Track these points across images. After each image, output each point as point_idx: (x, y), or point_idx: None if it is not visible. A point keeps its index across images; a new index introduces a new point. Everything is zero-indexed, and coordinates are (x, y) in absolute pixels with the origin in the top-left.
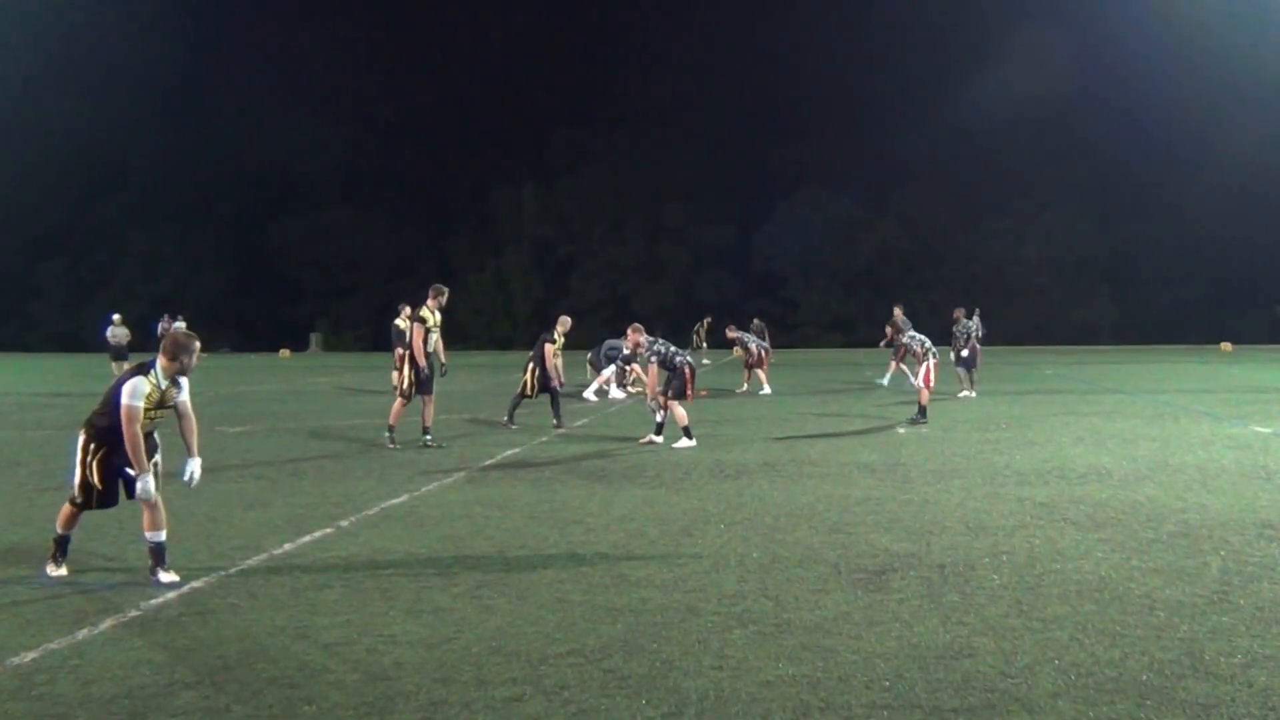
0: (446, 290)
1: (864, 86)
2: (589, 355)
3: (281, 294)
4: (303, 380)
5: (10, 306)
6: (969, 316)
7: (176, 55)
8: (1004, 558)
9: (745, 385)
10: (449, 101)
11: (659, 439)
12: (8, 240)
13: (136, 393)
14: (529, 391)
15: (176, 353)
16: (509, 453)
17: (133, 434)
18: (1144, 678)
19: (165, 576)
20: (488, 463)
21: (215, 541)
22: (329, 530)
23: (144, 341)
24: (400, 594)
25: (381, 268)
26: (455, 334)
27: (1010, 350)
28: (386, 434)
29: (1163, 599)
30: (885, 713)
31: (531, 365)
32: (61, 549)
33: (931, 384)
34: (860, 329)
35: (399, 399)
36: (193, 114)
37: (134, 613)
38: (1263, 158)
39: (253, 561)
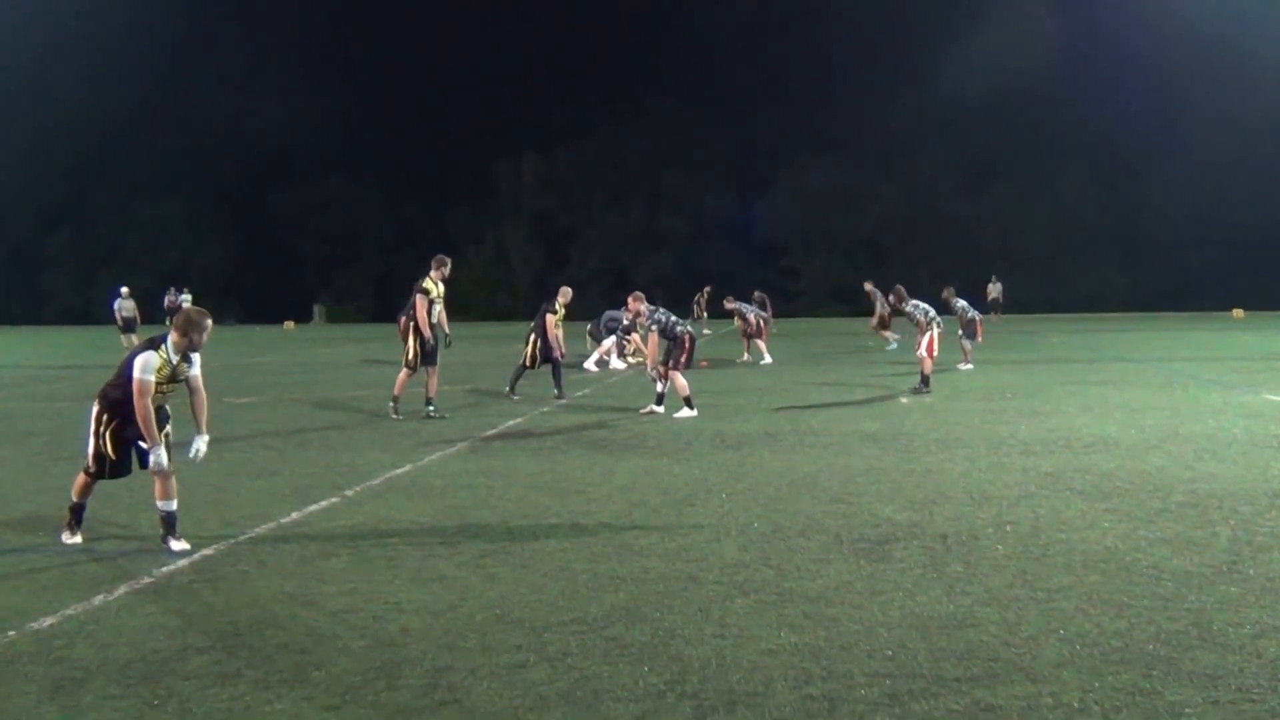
0: (449, 261)
1: (866, 53)
2: (589, 326)
3: (285, 266)
4: (307, 351)
5: (21, 281)
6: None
7: (177, 28)
8: (1008, 528)
9: (746, 355)
10: (448, 73)
11: (660, 409)
12: (17, 215)
13: (147, 366)
14: (530, 363)
15: (187, 329)
16: (511, 423)
17: (144, 407)
18: (1150, 648)
19: (176, 545)
20: (490, 433)
21: (224, 510)
22: (335, 500)
23: (152, 314)
24: (405, 562)
25: (382, 240)
26: (456, 305)
27: (1016, 319)
28: (391, 404)
29: (1170, 569)
30: (887, 682)
31: (533, 336)
32: (76, 517)
33: (935, 353)
34: (862, 298)
35: (404, 369)
36: (194, 86)
37: (147, 579)
38: (1272, 121)
39: (261, 530)
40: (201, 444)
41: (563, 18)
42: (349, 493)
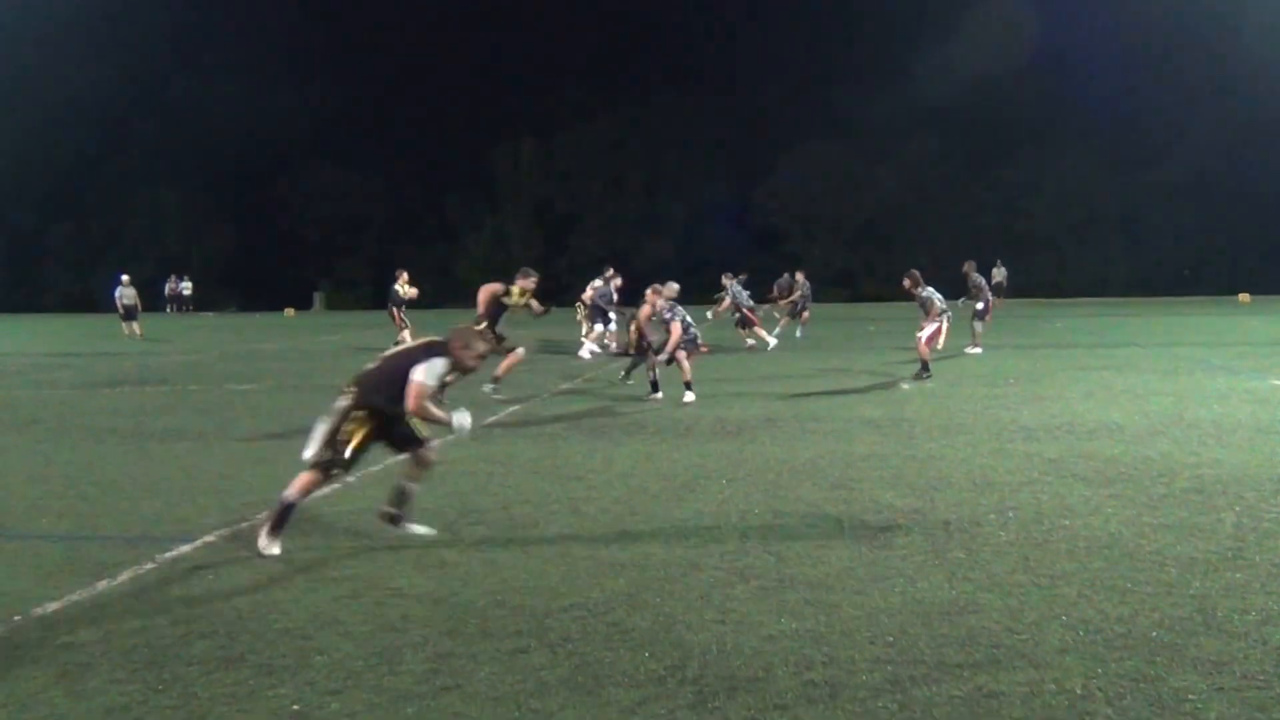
0: (535, 276)
1: (865, 37)
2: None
3: (285, 253)
4: (307, 338)
5: (22, 269)
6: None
7: (177, 16)
8: (1011, 514)
9: (751, 341)
10: (447, 59)
11: (659, 395)
12: (18, 204)
13: (434, 373)
14: (634, 349)
15: (468, 345)
16: (512, 410)
17: (424, 408)
18: (1154, 634)
19: (419, 529)
20: (490, 420)
21: (226, 497)
22: (336, 486)
23: (153, 302)
24: (407, 549)
25: (382, 227)
26: (455, 292)
27: (1019, 303)
28: (492, 385)
29: (1174, 555)
30: (889, 668)
31: (633, 324)
32: (281, 519)
33: (938, 344)
34: (862, 283)
35: (516, 350)
36: (194, 75)
37: (150, 565)
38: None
39: (263, 516)
40: (467, 419)
41: (561, 4)
42: (350, 479)
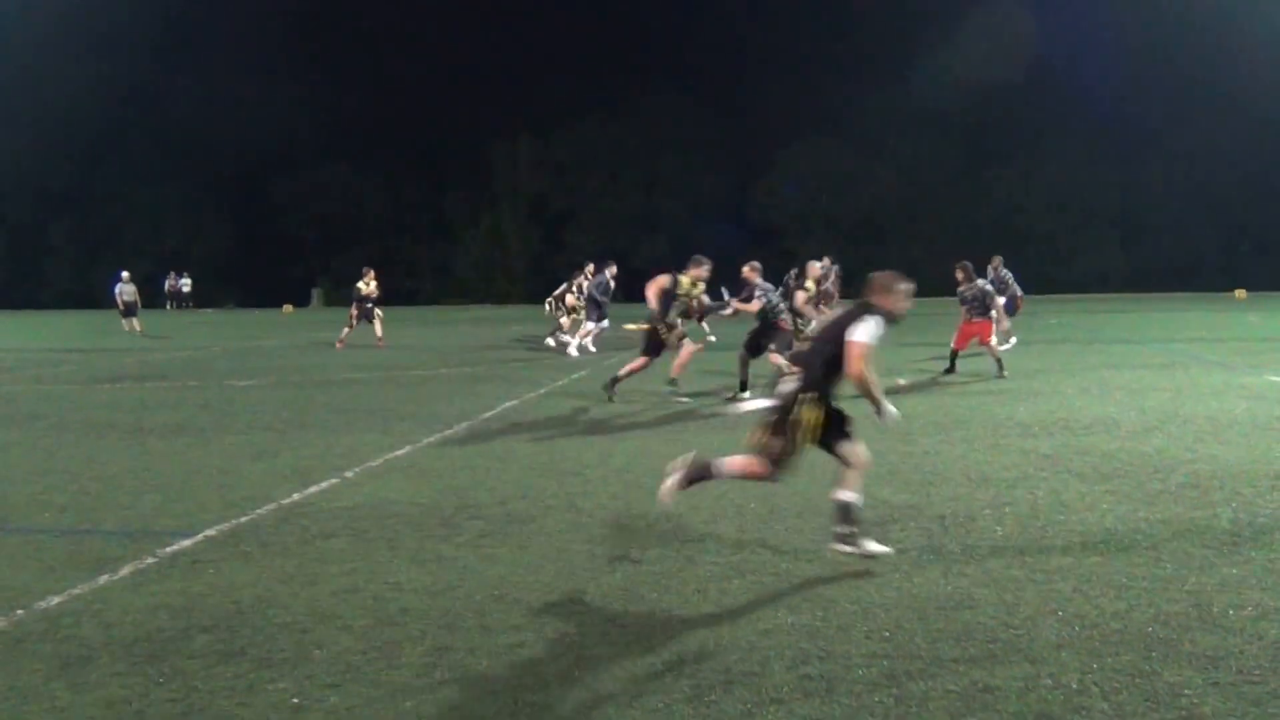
0: (708, 264)
1: (863, 36)
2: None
3: (283, 250)
4: (306, 335)
5: (23, 266)
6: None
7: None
8: (1006, 509)
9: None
10: (445, 57)
11: (746, 395)
12: (20, 201)
13: (872, 332)
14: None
15: (889, 289)
16: (508, 405)
17: (866, 374)
18: (1150, 630)
19: (874, 546)
20: (487, 415)
21: (226, 492)
22: (335, 481)
23: (153, 298)
24: (405, 543)
25: (380, 224)
26: (453, 289)
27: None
28: (670, 387)
29: (1170, 551)
30: (885, 662)
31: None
32: (702, 478)
33: (981, 340)
34: (859, 279)
35: (689, 347)
36: (193, 73)
37: (151, 560)
38: (1273, 100)
39: (262, 511)
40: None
41: (558, 1)
42: (349, 474)
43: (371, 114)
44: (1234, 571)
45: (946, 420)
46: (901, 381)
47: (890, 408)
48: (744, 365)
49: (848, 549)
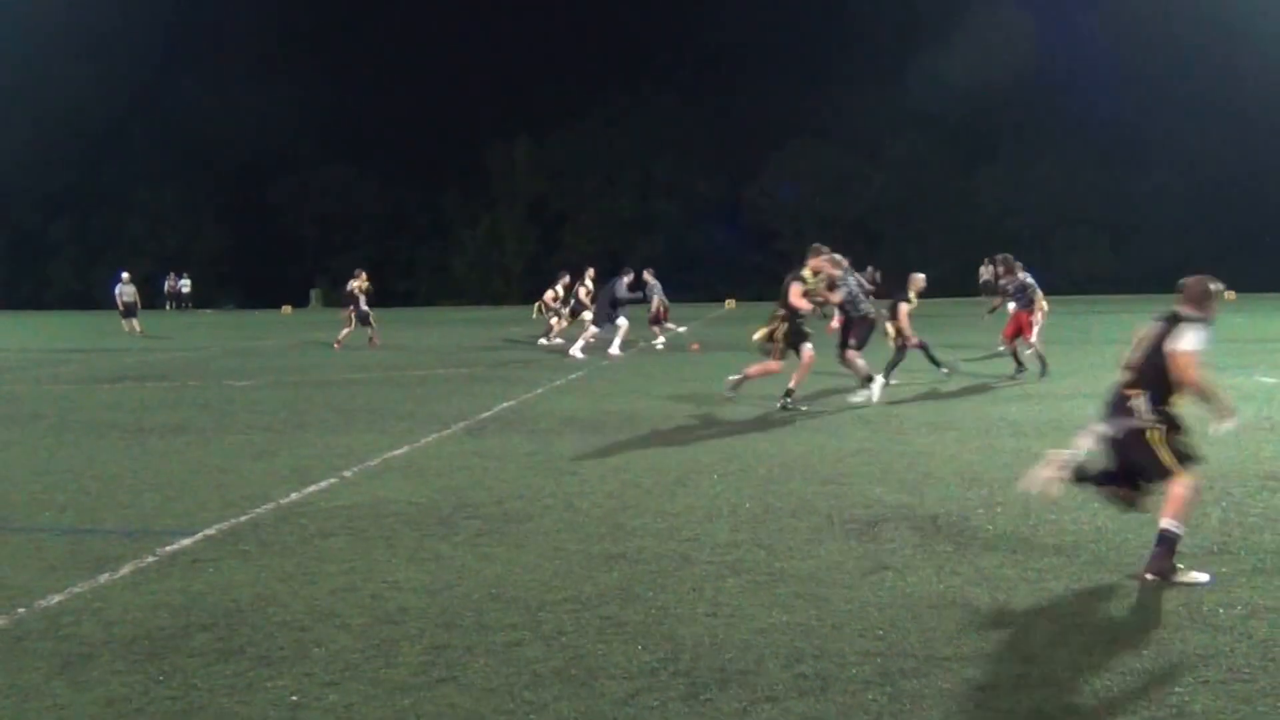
0: (827, 251)
1: (856, 35)
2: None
3: (282, 251)
4: (304, 335)
5: (25, 267)
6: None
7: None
8: (998, 509)
9: (659, 340)
10: (442, 59)
11: (875, 386)
12: (22, 202)
13: (1196, 339)
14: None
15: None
16: (505, 405)
17: (1204, 380)
18: (1141, 628)
19: (1195, 576)
20: (485, 415)
21: (226, 491)
22: (333, 480)
23: (152, 299)
24: (403, 542)
25: (378, 225)
26: (450, 289)
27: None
28: (786, 400)
29: None
30: (878, 660)
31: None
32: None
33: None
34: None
35: (772, 360)
36: (192, 75)
37: (151, 559)
38: (1265, 102)
39: (261, 510)
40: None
41: (555, 3)
42: (347, 474)
43: (370, 116)
44: (1223, 570)
45: (939, 420)
46: (892, 381)
47: (1231, 410)
48: (853, 363)
49: (1162, 579)
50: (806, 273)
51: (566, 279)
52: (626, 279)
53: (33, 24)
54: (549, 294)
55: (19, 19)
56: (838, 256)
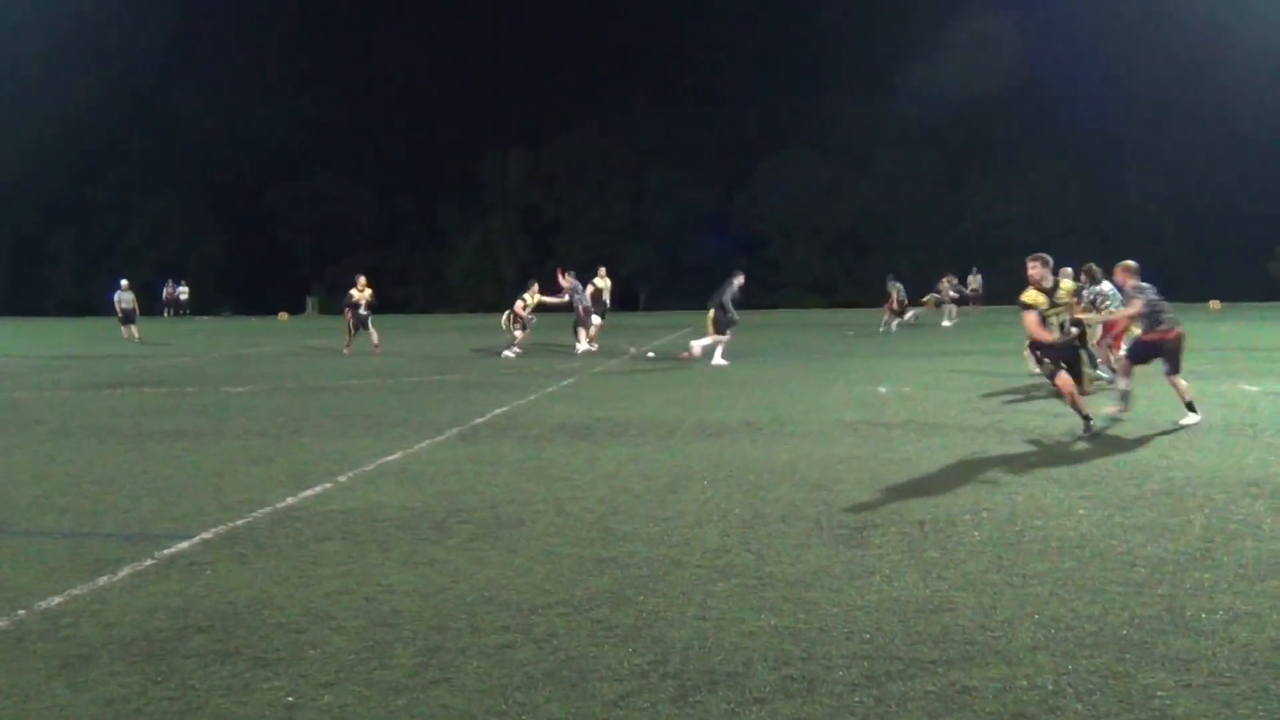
0: (1042, 259)
1: (845, 47)
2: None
3: (279, 259)
4: (300, 342)
5: (25, 274)
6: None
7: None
8: (984, 514)
9: (580, 345)
10: (437, 70)
11: (1123, 404)
12: (22, 210)
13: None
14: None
15: None
16: (498, 412)
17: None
18: (1124, 633)
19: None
20: (478, 421)
21: (222, 495)
22: (328, 485)
23: (150, 306)
24: (397, 546)
25: (374, 233)
26: (444, 297)
27: (995, 310)
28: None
29: (1144, 556)
30: (865, 663)
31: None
32: None
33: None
34: (841, 290)
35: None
36: (190, 84)
37: (149, 561)
38: (1249, 113)
39: (258, 514)
40: None
41: (548, 15)
42: (342, 478)
43: (365, 126)
44: (1206, 576)
45: (926, 427)
46: (882, 390)
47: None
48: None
49: None
50: (1064, 290)
51: (536, 287)
52: (738, 281)
53: (33, 33)
54: (519, 304)
55: (19, 28)
56: (1130, 263)
